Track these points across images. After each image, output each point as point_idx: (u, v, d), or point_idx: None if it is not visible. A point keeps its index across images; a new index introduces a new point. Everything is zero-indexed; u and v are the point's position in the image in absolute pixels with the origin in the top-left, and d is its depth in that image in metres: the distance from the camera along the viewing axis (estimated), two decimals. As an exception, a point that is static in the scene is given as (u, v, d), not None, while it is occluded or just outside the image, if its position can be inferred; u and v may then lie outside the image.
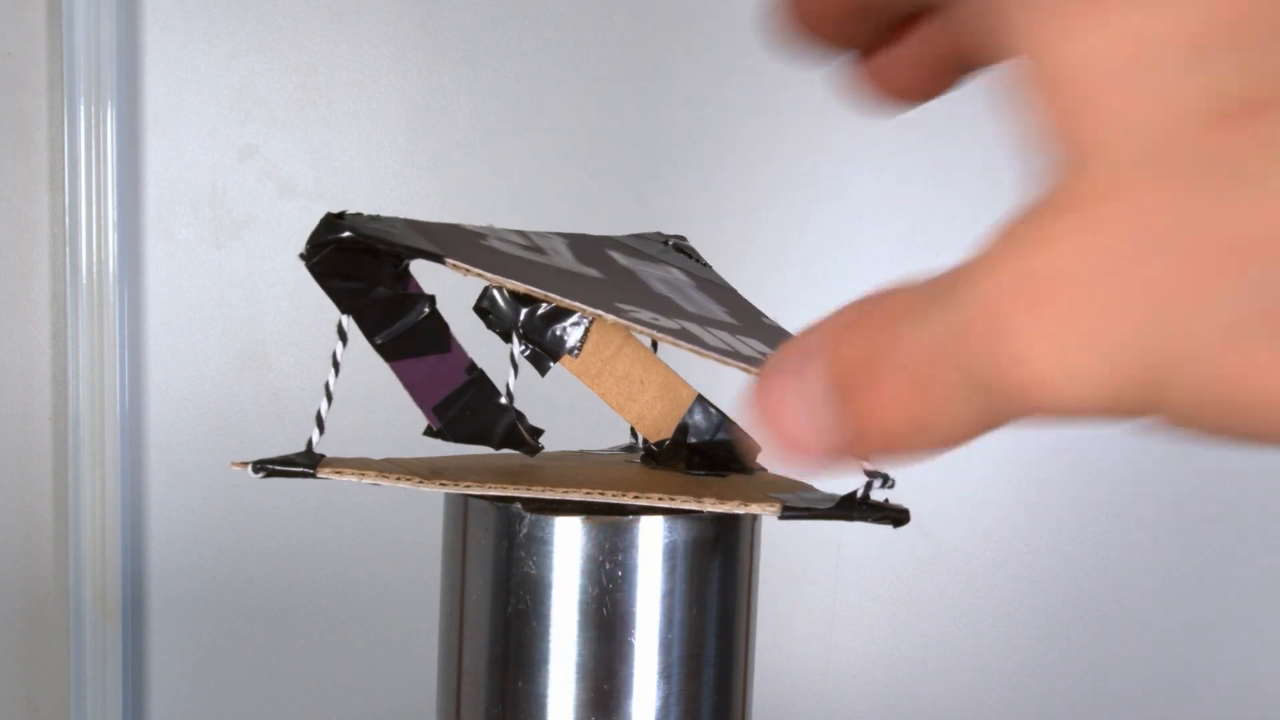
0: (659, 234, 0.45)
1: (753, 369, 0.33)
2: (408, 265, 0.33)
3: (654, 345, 0.40)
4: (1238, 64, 0.15)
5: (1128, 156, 0.15)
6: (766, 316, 0.41)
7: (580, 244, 0.39)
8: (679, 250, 0.44)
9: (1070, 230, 0.15)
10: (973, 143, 0.78)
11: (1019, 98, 0.17)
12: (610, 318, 0.32)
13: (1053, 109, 0.16)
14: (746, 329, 0.37)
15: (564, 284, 0.33)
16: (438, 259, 0.32)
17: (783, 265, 0.78)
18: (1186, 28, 0.15)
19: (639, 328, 0.32)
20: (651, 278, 0.39)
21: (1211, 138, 0.15)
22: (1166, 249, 0.15)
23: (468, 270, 0.31)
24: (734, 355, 0.33)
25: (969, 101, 0.86)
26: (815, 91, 0.78)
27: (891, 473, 0.33)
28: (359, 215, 0.33)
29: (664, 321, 0.33)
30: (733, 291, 0.42)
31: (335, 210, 0.32)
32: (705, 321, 0.35)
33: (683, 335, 0.33)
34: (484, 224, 0.38)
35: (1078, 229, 0.15)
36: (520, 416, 0.37)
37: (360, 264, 0.33)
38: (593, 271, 0.36)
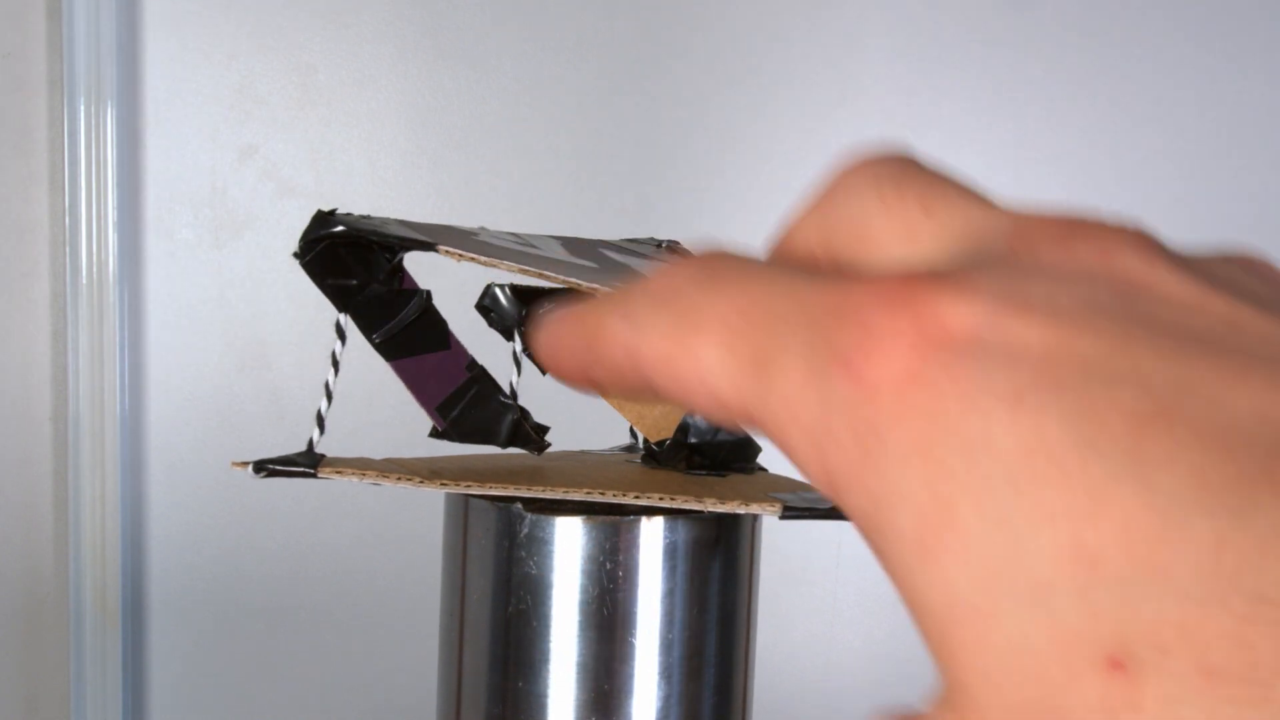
0: (652, 238, 0.45)
1: None
2: (401, 260, 0.33)
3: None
4: (1130, 596, 0.12)
5: (993, 708, 0.13)
6: None
7: (574, 243, 0.39)
8: (672, 251, 0.44)
9: None
10: (970, 146, 0.78)
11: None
12: (606, 290, 0.32)
13: (923, 629, 0.14)
14: None
15: (558, 271, 0.33)
16: (429, 247, 0.32)
17: (783, 265, 0.78)
18: (1063, 555, 0.13)
19: None
20: (646, 269, 0.39)
21: (1093, 694, 0.12)
22: None
23: (460, 256, 0.31)
24: None
25: (968, 104, 0.85)
26: (815, 92, 0.78)
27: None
28: (349, 214, 0.33)
29: None
30: None
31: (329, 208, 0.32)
32: None
33: None
34: (477, 225, 0.38)
35: None
36: (525, 414, 0.37)
37: (354, 260, 0.33)
38: (587, 263, 0.36)
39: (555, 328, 0.19)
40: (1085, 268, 0.15)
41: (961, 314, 0.14)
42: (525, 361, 0.37)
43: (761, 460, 0.39)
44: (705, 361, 0.16)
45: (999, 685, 0.13)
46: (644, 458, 0.39)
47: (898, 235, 0.17)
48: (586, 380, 0.19)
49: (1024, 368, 0.13)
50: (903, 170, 0.18)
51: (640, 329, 0.17)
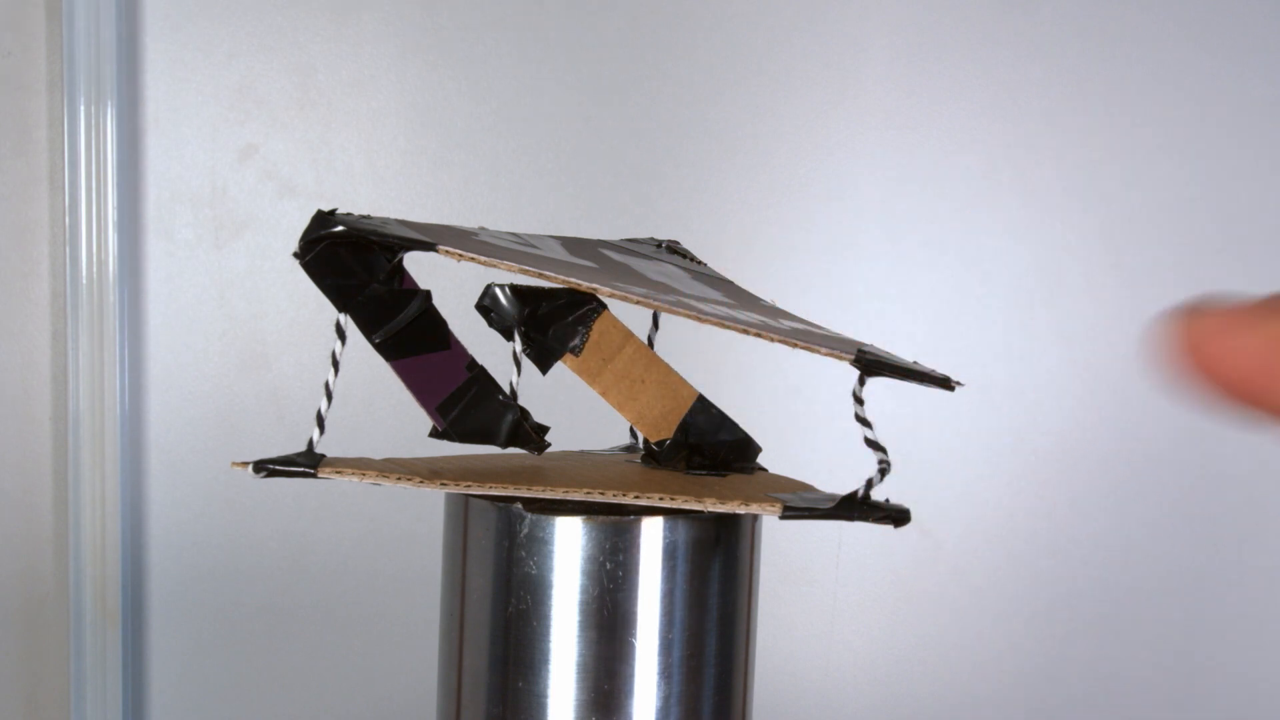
0: (652, 238, 0.45)
1: (750, 330, 0.33)
2: (401, 260, 0.33)
3: (651, 342, 0.40)
4: None
5: None
6: (765, 301, 0.41)
7: (574, 243, 0.39)
8: (672, 251, 0.44)
9: None
10: (972, 143, 0.78)
11: None
12: (606, 289, 0.32)
13: None
14: (744, 306, 0.37)
15: (558, 270, 0.33)
16: (429, 247, 0.32)
17: (783, 265, 0.78)
18: None
19: (634, 299, 0.32)
20: (647, 269, 0.39)
21: None
22: None
23: (460, 256, 0.31)
24: (733, 321, 0.33)
25: (968, 101, 0.85)
26: (815, 92, 0.78)
27: (890, 464, 0.33)
28: (349, 214, 0.33)
29: (660, 296, 0.33)
30: (730, 282, 0.42)
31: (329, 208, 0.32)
32: (703, 300, 0.35)
33: (679, 304, 0.33)
34: (477, 225, 0.38)
35: None
36: (525, 414, 0.37)
37: (354, 260, 0.33)
38: (587, 263, 0.36)
39: (1231, 329, 0.15)
40: None
41: None
42: (525, 361, 0.37)
43: (761, 460, 0.39)
44: None
45: None
46: (644, 458, 0.39)
47: None
48: (1266, 404, 0.15)
49: None
50: None
51: None
